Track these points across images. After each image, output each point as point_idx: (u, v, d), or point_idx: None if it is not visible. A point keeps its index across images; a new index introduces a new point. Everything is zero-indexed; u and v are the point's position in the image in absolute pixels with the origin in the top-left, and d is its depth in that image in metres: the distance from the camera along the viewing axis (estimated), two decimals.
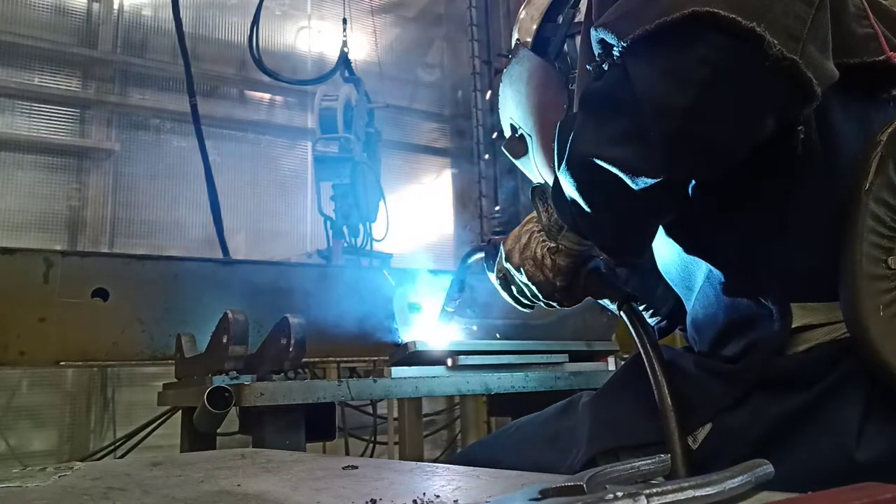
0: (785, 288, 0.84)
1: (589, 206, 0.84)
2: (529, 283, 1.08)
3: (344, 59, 4.31)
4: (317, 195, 4.10)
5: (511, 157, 1.23)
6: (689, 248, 0.94)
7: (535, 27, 1.26)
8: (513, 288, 1.14)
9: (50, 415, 4.07)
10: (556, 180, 0.89)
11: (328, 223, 4.07)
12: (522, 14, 1.29)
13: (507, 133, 1.24)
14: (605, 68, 0.79)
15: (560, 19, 1.25)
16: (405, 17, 5.98)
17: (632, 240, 0.90)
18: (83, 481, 0.76)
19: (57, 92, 4.47)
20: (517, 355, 1.75)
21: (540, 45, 1.25)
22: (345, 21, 4.43)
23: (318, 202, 4.09)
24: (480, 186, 5.67)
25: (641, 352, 0.92)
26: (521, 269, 1.08)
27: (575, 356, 1.84)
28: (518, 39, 1.28)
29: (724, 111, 0.71)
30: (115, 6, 4.77)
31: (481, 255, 1.27)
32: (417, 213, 5.37)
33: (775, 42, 0.66)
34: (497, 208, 5.15)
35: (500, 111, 1.25)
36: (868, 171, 0.78)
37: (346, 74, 4.28)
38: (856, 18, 0.86)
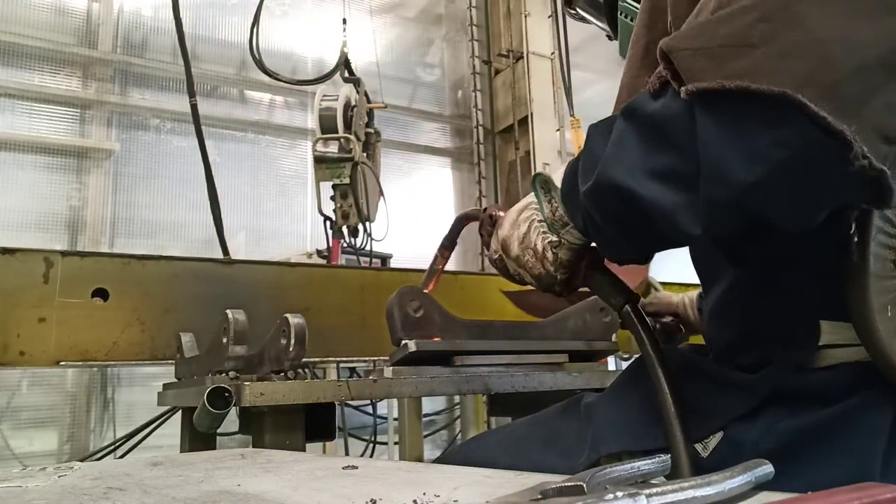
0: (815, 303, 0.81)
1: (605, 223, 0.79)
2: (528, 273, 1.03)
3: (344, 60, 4.31)
4: (317, 195, 4.10)
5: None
6: (718, 246, 0.90)
7: None
8: (508, 268, 1.08)
9: (50, 415, 4.07)
10: (570, 174, 0.85)
11: (328, 223, 4.07)
12: None
13: None
14: (666, 89, 0.71)
15: None
16: (405, 17, 5.98)
17: (644, 253, 0.87)
18: (83, 481, 0.76)
19: (57, 92, 4.47)
20: (517, 355, 1.74)
21: None
22: (344, 21, 4.43)
23: (318, 202, 4.09)
24: (480, 186, 5.68)
25: (643, 354, 0.90)
26: (520, 259, 1.02)
27: (575, 356, 1.83)
28: None
29: (786, 195, 0.64)
30: (115, 6, 4.77)
31: (475, 222, 1.19)
32: (417, 213, 5.37)
33: (864, 149, 0.59)
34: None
35: None
36: None
37: (346, 74, 4.28)
38: None
